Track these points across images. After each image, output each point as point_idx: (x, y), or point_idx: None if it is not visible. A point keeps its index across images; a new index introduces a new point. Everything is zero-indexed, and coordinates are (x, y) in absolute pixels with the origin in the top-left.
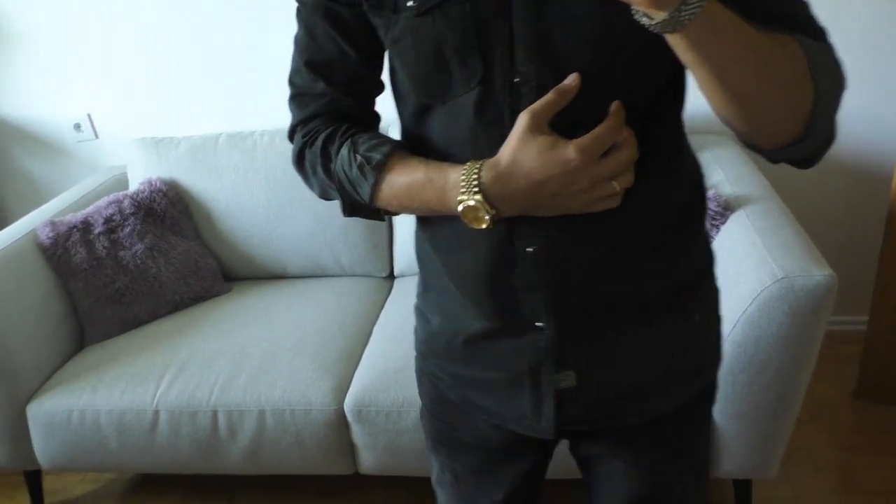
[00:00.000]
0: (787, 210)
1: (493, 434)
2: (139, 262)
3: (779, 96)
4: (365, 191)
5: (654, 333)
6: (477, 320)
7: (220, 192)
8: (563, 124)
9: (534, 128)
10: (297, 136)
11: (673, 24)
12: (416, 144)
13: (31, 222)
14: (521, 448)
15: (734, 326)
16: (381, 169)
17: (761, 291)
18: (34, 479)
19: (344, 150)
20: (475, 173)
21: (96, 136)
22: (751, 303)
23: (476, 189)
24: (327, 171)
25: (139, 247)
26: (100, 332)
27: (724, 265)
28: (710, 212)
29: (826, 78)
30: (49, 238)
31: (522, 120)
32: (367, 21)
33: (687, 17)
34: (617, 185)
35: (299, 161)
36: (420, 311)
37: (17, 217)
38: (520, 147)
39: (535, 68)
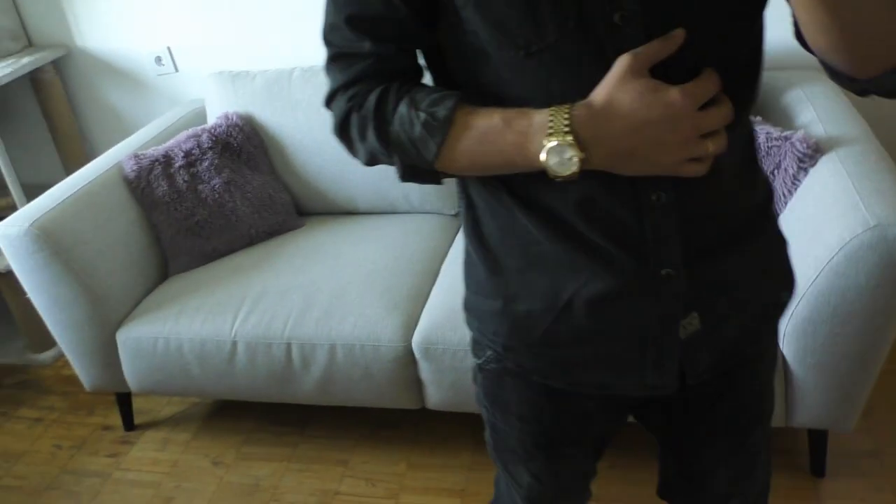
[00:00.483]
0: (884, 153)
1: (598, 412)
2: (217, 196)
3: (885, 18)
4: (431, 150)
5: (753, 259)
6: (598, 280)
7: (293, 128)
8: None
9: (636, 71)
10: (340, 101)
11: None
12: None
13: (116, 155)
14: (619, 413)
15: (818, 275)
16: (448, 124)
17: (851, 239)
18: (125, 400)
19: (403, 109)
20: (566, 113)
21: (176, 70)
22: (838, 251)
23: (567, 128)
24: (383, 134)
25: (217, 181)
26: (181, 264)
27: (812, 211)
28: (797, 154)
29: None
30: (133, 171)
31: (623, 61)
32: None
33: None
34: (710, 146)
35: (343, 128)
36: (495, 299)
37: (102, 146)
38: (618, 88)
39: (640, 5)
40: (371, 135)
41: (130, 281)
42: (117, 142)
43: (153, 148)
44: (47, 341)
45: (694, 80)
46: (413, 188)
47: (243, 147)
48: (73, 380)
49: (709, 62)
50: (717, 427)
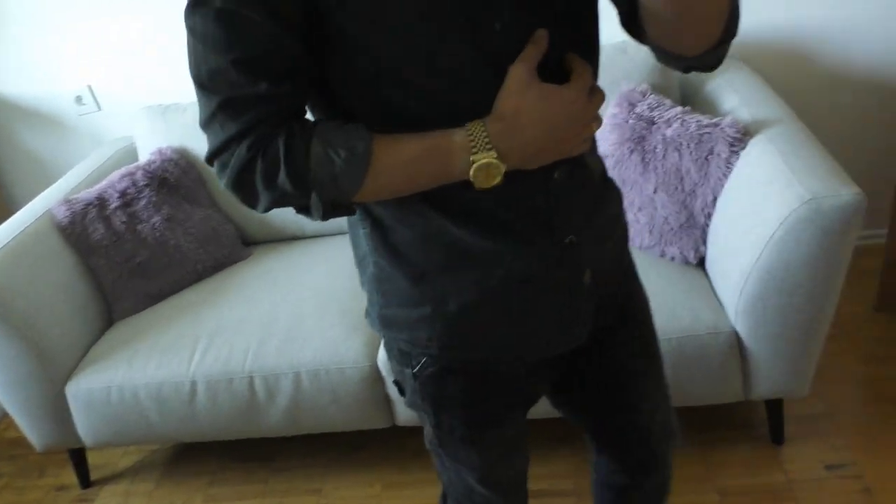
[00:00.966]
0: (807, 130)
1: (528, 376)
2: (158, 234)
3: (715, 3)
4: (355, 183)
5: (608, 208)
6: (519, 260)
7: None
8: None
9: (531, 76)
10: (238, 150)
11: None
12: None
13: (46, 202)
14: (545, 370)
15: (762, 252)
16: (369, 155)
17: (789, 214)
18: (79, 456)
19: (318, 149)
20: (482, 129)
21: (99, 108)
22: (778, 227)
23: (489, 145)
24: (298, 177)
25: (156, 219)
26: (127, 307)
27: (747, 191)
28: (728, 138)
29: None
30: (66, 217)
31: (518, 71)
32: (302, 2)
33: None
34: (595, 126)
35: (241, 178)
36: (423, 305)
37: (27, 197)
38: (521, 96)
39: (511, 10)
40: (283, 179)
41: (74, 331)
42: (40, 189)
43: (85, 191)
44: None
45: (575, 74)
46: None
47: (181, 181)
48: (19, 441)
49: (569, 49)
50: (633, 349)
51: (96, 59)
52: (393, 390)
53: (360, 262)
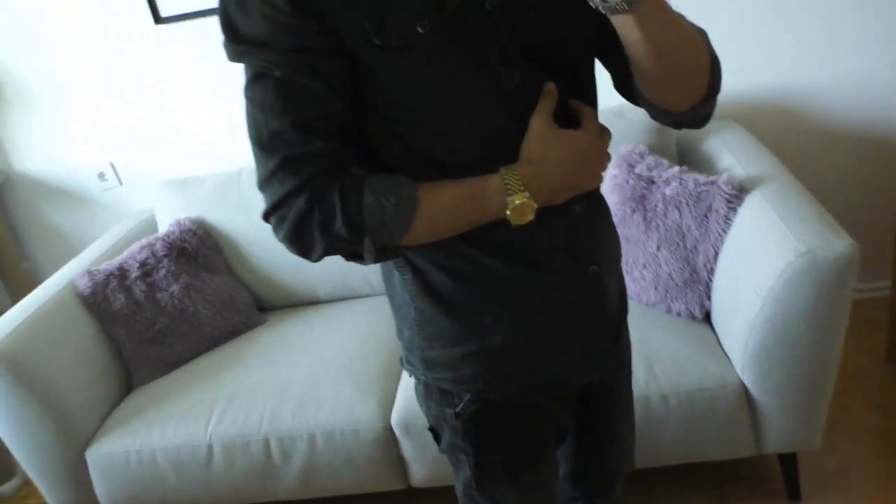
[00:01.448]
0: (800, 186)
1: (561, 411)
2: (176, 302)
3: (695, 60)
4: (403, 227)
5: (613, 239)
6: (553, 291)
7: (247, 226)
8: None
9: (549, 125)
10: (297, 204)
11: (629, 4)
12: (420, 165)
13: (69, 273)
14: (571, 408)
15: (762, 305)
16: (416, 202)
17: (785, 267)
18: None
19: (369, 199)
20: (515, 174)
21: (120, 183)
22: (776, 280)
23: (522, 188)
24: (351, 225)
25: (175, 287)
26: (146, 374)
27: (745, 246)
28: (725, 195)
29: (712, 48)
30: (88, 287)
31: (538, 121)
32: (345, 65)
33: None
34: (607, 161)
35: (300, 230)
36: (465, 344)
37: (51, 269)
38: (544, 143)
39: (526, 65)
40: (338, 227)
41: (95, 397)
42: (63, 262)
43: (106, 262)
44: (7, 472)
45: (585, 119)
46: (371, 270)
47: (199, 250)
48: None
49: (571, 96)
50: (621, 395)
51: (117, 137)
52: (407, 451)
53: (399, 311)
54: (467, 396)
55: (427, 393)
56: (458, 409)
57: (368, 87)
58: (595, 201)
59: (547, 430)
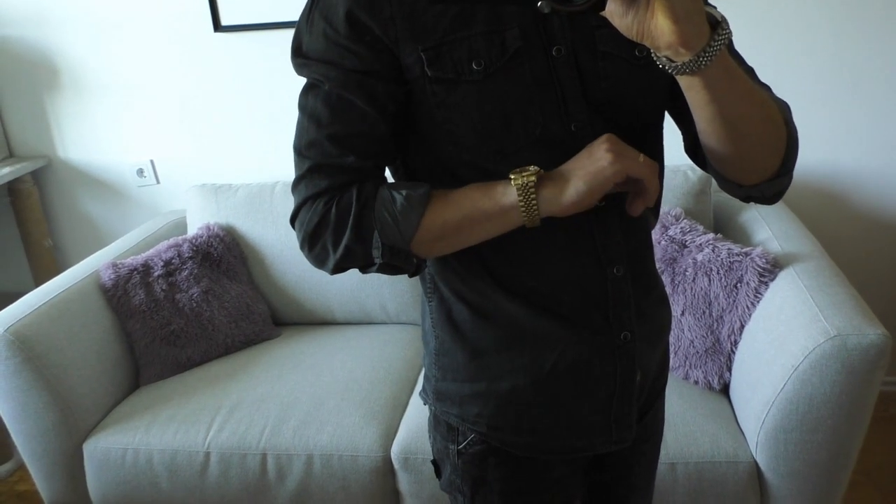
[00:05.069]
0: (836, 268)
1: (568, 477)
2: (195, 305)
3: (768, 133)
4: (413, 222)
5: (662, 320)
6: (572, 347)
7: (274, 239)
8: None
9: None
10: (316, 206)
11: (696, 65)
12: None
13: (94, 264)
14: (582, 475)
15: (785, 383)
16: (427, 198)
17: (813, 349)
18: None
19: (384, 192)
20: (529, 173)
21: (157, 182)
22: (802, 360)
23: (530, 168)
24: (365, 218)
25: (195, 290)
26: (154, 373)
27: (774, 322)
28: (758, 268)
29: (792, 123)
30: (110, 279)
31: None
32: (398, 94)
33: (708, 58)
34: (633, 163)
35: (315, 232)
36: (476, 381)
37: (78, 257)
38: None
39: (587, 115)
40: (351, 222)
41: (101, 390)
42: (91, 252)
43: (132, 257)
44: (4, 454)
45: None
46: (389, 298)
47: (223, 257)
48: (28, 496)
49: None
50: (641, 468)
51: (161, 137)
52: (404, 485)
53: (425, 336)
54: (471, 436)
55: (436, 425)
56: (460, 446)
57: (422, 118)
58: (640, 271)
59: (552, 492)
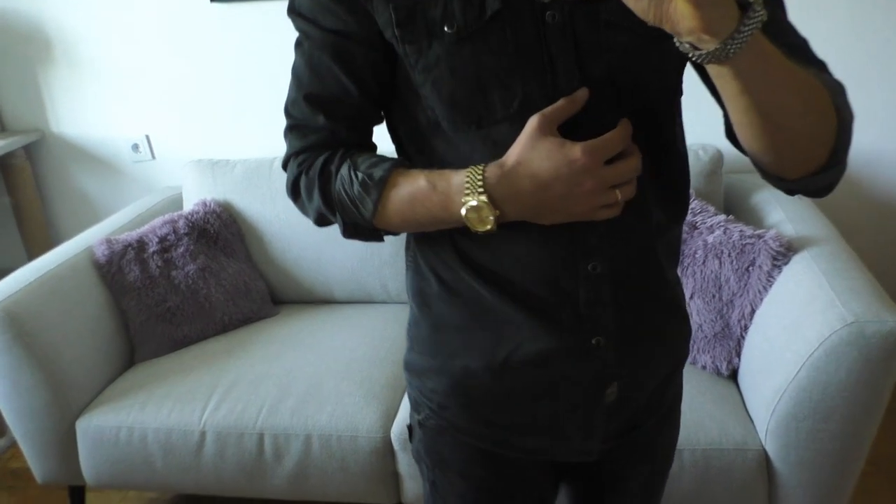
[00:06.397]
0: (852, 252)
1: (536, 475)
2: (191, 282)
3: (813, 123)
4: (368, 208)
5: (672, 332)
6: (533, 341)
7: (272, 216)
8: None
9: (543, 129)
10: (293, 165)
11: (723, 53)
12: None
13: (88, 239)
14: (555, 477)
15: (798, 370)
16: (383, 184)
17: (829, 335)
18: (78, 494)
19: (344, 170)
20: (479, 174)
21: (153, 157)
22: (817, 347)
23: (481, 189)
24: (325, 193)
25: (191, 267)
26: (149, 350)
27: (787, 307)
28: (771, 251)
29: (845, 108)
30: (104, 255)
31: (532, 122)
32: (376, 59)
33: (737, 46)
34: (619, 195)
35: (294, 189)
36: (435, 356)
37: (72, 233)
38: (528, 147)
39: (577, 89)
40: (316, 195)
41: (95, 368)
42: (85, 228)
43: (126, 233)
44: None
45: (600, 136)
46: (390, 277)
47: (220, 234)
48: (21, 473)
49: (641, 116)
50: (631, 488)
51: (157, 111)
52: (403, 466)
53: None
54: (427, 411)
55: (409, 393)
56: (420, 417)
57: (402, 82)
58: (636, 273)
59: (517, 487)
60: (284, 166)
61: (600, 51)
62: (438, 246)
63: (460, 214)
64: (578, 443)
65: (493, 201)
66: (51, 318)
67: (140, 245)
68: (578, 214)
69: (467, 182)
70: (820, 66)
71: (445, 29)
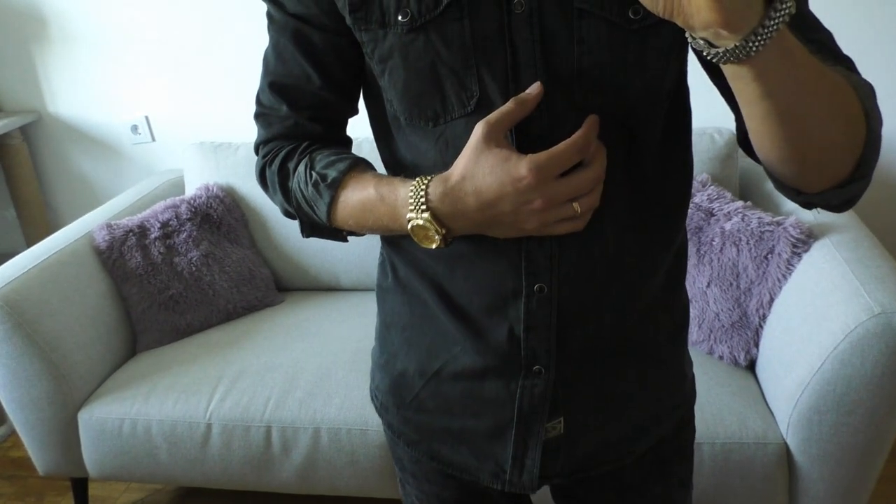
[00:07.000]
0: (875, 239)
1: (498, 498)
2: (194, 269)
3: (840, 131)
4: (322, 209)
5: (645, 379)
6: (468, 355)
7: None
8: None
9: (489, 139)
10: (259, 156)
11: (744, 51)
12: (401, 173)
13: (87, 224)
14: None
15: (823, 363)
16: (336, 187)
17: (855, 327)
18: (80, 486)
19: (301, 168)
20: (423, 189)
21: (153, 139)
22: (843, 339)
23: (423, 206)
24: (284, 190)
25: (194, 254)
26: (152, 339)
27: (809, 296)
28: (791, 239)
29: (875, 113)
30: (105, 241)
31: (478, 131)
32: (340, 46)
33: (761, 43)
34: (578, 207)
35: (262, 179)
36: (382, 353)
37: (71, 217)
38: (472, 161)
39: (545, 90)
40: (277, 189)
41: (96, 357)
42: (84, 212)
43: (127, 218)
44: None
45: (550, 148)
46: None
47: (223, 219)
48: (22, 462)
49: (619, 118)
50: None
51: (157, 92)
52: None
53: None
54: (378, 405)
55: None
56: (378, 410)
57: (367, 71)
58: (596, 302)
59: (459, 496)
60: (255, 151)
61: (571, 43)
62: (397, 242)
63: (406, 229)
64: (511, 474)
65: (437, 219)
66: (51, 306)
67: (141, 230)
68: (532, 230)
69: (411, 197)
70: (847, 64)
71: (399, 18)
